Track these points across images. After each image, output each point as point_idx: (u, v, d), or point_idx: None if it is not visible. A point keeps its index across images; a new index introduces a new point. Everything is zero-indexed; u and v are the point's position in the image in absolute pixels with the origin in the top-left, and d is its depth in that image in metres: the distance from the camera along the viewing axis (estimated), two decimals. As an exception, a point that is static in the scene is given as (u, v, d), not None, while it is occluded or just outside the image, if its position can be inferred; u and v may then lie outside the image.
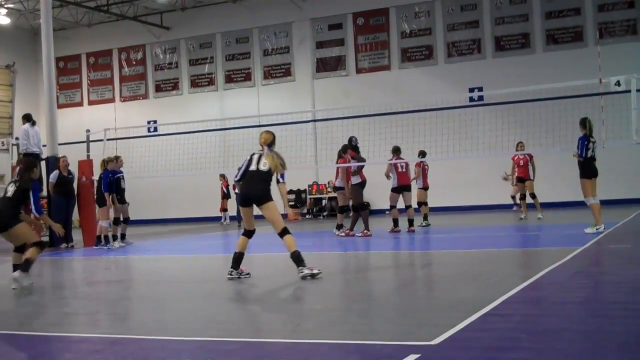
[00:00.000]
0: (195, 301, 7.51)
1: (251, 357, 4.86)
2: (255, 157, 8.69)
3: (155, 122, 26.80)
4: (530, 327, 5.33)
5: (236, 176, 8.83)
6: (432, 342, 4.77)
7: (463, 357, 4.53)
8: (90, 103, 30.89)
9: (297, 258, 8.33)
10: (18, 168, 9.13)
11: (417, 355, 4.45)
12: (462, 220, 17.00)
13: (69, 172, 16.02)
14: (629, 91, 12.81)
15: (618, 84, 12.78)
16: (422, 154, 17.11)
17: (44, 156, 16.77)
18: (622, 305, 6.01)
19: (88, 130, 17.87)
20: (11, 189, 8.91)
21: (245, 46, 28.14)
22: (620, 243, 10.95)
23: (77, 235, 16.43)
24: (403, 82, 25.36)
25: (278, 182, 8.68)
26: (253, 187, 8.51)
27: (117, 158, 15.38)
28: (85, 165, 16.54)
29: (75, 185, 16.26)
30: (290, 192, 25.54)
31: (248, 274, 8.64)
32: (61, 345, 5.57)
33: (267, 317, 6.40)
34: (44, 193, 16.72)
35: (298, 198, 26.56)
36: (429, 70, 25.40)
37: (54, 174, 15.81)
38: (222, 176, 24.32)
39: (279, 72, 27.63)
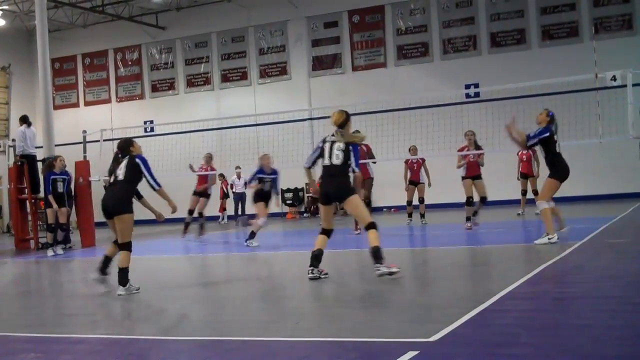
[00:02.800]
0: (193, 300, 7.50)
1: (251, 356, 4.86)
2: (327, 146, 8.17)
3: (151, 122, 26.72)
4: (529, 323, 5.34)
5: (306, 163, 8.45)
6: (431, 339, 4.78)
7: (462, 353, 4.54)
8: (87, 104, 30.85)
9: (375, 254, 7.75)
10: (115, 152, 8.39)
11: (416, 352, 4.45)
12: (459, 216, 17.01)
13: (66, 173, 15.98)
14: (625, 86, 12.83)
15: (614, 79, 12.79)
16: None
17: (39, 158, 16.75)
18: (621, 300, 6.02)
19: (84, 131, 17.85)
20: (121, 172, 8.07)
21: (240, 45, 28.12)
22: (618, 237, 10.98)
23: (74, 237, 16.42)
24: (399, 80, 25.35)
25: (353, 171, 8.19)
26: (331, 183, 8.05)
27: (56, 158, 15.12)
28: (82, 167, 16.52)
29: (72, 186, 16.22)
30: (288, 190, 25.55)
31: (327, 274, 8.11)
32: (60, 346, 5.56)
33: (267, 316, 6.40)
34: (41, 194, 16.72)
35: (295, 196, 26.55)
36: (425, 67, 25.40)
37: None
38: (222, 176, 24.30)
39: (275, 70, 27.61)
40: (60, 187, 14.70)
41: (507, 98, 20.69)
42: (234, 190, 22.60)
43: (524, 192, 17.30)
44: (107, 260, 8.16)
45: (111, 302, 7.94)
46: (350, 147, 8.13)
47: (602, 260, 8.70)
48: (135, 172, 8.07)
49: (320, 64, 26.85)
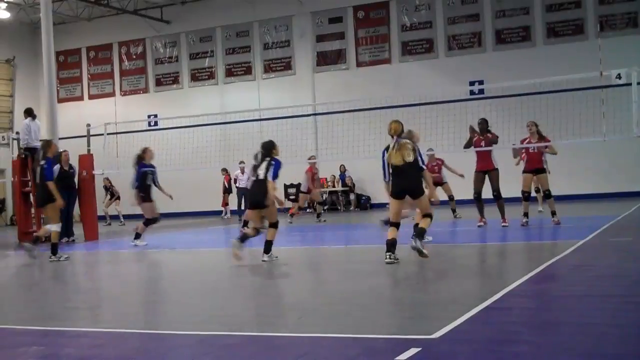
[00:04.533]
0: (195, 295, 7.52)
1: (252, 351, 4.86)
2: (394, 152, 8.85)
3: (155, 116, 26.77)
4: (531, 321, 5.34)
5: (385, 177, 9.08)
6: (433, 336, 4.78)
7: (464, 350, 4.54)
8: (91, 97, 30.87)
9: (420, 233, 8.79)
10: (259, 153, 9.81)
11: (418, 349, 4.45)
12: (462, 213, 17.00)
13: (70, 167, 16.01)
14: (630, 84, 12.79)
15: (619, 77, 12.75)
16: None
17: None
18: (623, 299, 6.02)
19: (88, 125, 17.85)
20: (262, 172, 9.58)
21: (245, 40, 28.10)
22: (621, 236, 10.96)
23: (77, 230, 16.44)
24: (403, 76, 25.31)
25: (421, 169, 9.01)
26: (408, 180, 8.85)
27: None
28: (86, 160, 16.54)
29: (76, 179, 16.25)
30: (291, 185, 25.53)
31: (397, 259, 8.76)
32: (62, 340, 5.57)
33: (269, 311, 6.40)
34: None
35: (299, 192, 26.49)
36: (430, 64, 25.36)
37: (55, 168, 15.75)
38: (225, 170, 24.27)
39: (280, 65, 27.59)
40: (148, 180, 13.79)
41: (512, 95, 20.66)
42: (237, 185, 22.55)
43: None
44: (245, 237, 9.67)
45: (113, 295, 7.96)
46: (417, 147, 9.05)
47: (604, 259, 8.68)
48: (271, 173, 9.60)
49: (325, 60, 26.83)
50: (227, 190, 24.95)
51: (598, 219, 13.76)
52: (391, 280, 7.97)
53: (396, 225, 8.94)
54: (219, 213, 25.45)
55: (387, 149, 8.96)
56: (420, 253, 8.63)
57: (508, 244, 11.46)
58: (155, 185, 13.85)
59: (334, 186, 26.66)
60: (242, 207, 22.46)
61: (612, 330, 4.90)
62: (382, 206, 25.17)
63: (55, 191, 11.36)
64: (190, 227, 20.43)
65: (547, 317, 5.42)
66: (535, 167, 13.51)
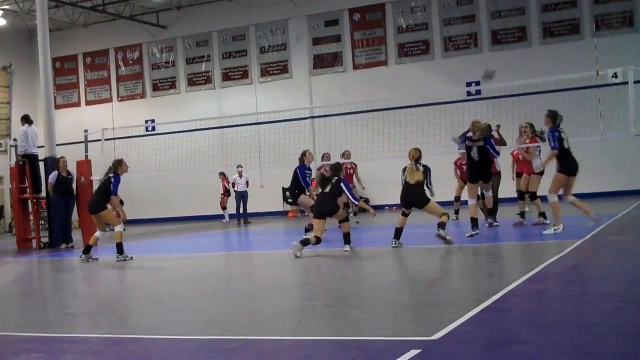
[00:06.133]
0: (195, 300, 7.51)
1: (252, 355, 4.86)
2: (407, 172, 10.91)
3: (153, 121, 26.77)
4: (530, 321, 5.34)
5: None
6: (433, 337, 4.78)
7: (464, 351, 4.54)
8: (88, 103, 30.85)
9: (441, 224, 10.57)
10: (328, 169, 11.90)
11: (418, 351, 4.45)
12: (459, 214, 17.00)
13: (68, 173, 15.99)
14: (626, 83, 12.82)
15: (615, 76, 12.78)
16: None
17: (41, 157, 16.77)
18: (622, 298, 6.02)
19: (86, 131, 17.86)
20: (328, 188, 11.03)
21: (241, 44, 28.11)
22: (620, 235, 10.96)
23: (76, 236, 16.42)
24: (400, 78, 25.33)
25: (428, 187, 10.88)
26: (411, 194, 10.84)
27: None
28: (84, 166, 16.52)
29: (74, 185, 16.23)
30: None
31: (401, 243, 10.85)
32: (61, 346, 5.56)
33: (268, 315, 6.40)
34: (43, 194, 16.74)
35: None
36: (426, 65, 25.38)
37: (53, 174, 15.78)
38: (222, 174, 24.30)
39: (276, 69, 27.60)
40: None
41: (508, 96, 20.70)
42: (235, 189, 22.55)
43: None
44: (307, 242, 10.68)
45: (112, 301, 7.95)
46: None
47: (603, 258, 8.69)
48: (338, 189, 11.07)
49: (321, 63, 26.84)
50: (225, 194, 24.95)
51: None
52: (390, 282, 7.97)
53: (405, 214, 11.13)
54: (216, 217, 25.44)
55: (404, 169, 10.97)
56: (446, 241, 10.43)
57: (506, 244, 11.47)
58: None
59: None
60: (241, 211, 22.50)
61: (611, 329, 4.90)
62: (380, 208, 25.21)
63: (119, 207, 12.12)
64: (188, 232, 20.40)
65: (547, 317, 5.42)
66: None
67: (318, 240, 10.77)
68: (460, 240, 11.08)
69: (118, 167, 12.10)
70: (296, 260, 10.21)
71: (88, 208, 12.22)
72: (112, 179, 11.91)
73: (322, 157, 17.23)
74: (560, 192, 11.38)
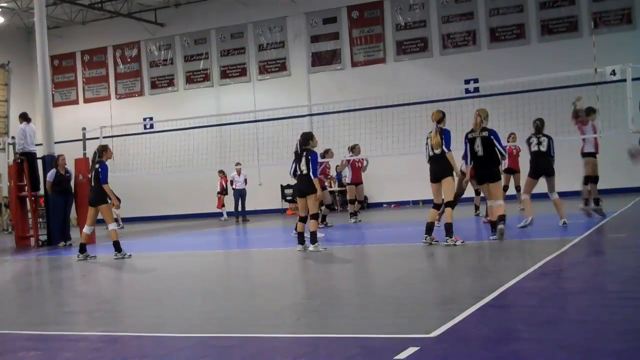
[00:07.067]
0: (193, 297, 7.51)
1: (251, 353, 4.86)
2: (429, 141, 10.46)
3: (151, 119, 26.76)
4: (529, 318, 5.34)
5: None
6: (431, 335, 4.78)
7: (462, 349, 4.54)
8: (86, 101, 30.81)
9: (448, 229, 10.19)
10: (299, 142, 11.16)
11: (417, 348, 4.45)
12: (458, 211, 16.98)
13: (66, 171, 15.98)
14: (625, 80, 12.82)
15: (613, 73, 12.79)
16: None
17: (39, 155, 16.75)
18: (621, 295, 6.03)
19: (84, 128, 17.85)
20: (304, 166, 10.78)
21: (240, 41, 28.08)
22: (618, 232, 10.98)
23: (75, 234, 16.41)
24: (398, 75, 25.32)
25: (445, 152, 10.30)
26: (437, 167, 10.36)
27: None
28: (82, 164, 16.51)
29: (72, 183, 16.22)
30: (288, 186, 25.52)
31: (433, 240, 10.45)
32: (60, 344, 5.57)
33: (267, 312, 6.40)
34: (41, 192, 16.73)
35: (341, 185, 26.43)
36: (425, 63, 25.37)
37: (52, 172, 15.76)
38: (221, 172, 24.28)
39: (275, 67, 27.58)
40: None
41: (507, 93, 20.69)
42: (233, 186, 22.53)
43: (506, 188, 16.43)
44: (301, 235, 10.80)
45: (110, 299, 7.95)
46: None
47: (602, 255, 8.70)
48: (311, 164, 10.77)
49: (320, 60, 26.82)
50: (223, 192, 24.94)
51: (595, 215, 13.75)
52: (389, 279, 7.97)
53: (437, 207, 10.56)
54: (215, 215, 25.41)
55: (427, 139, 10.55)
56: (454, 245, 10.11)
57: (505, 241, 11.46)
58: None
59: (330, 186, 26.63)
60: (240, 209, 22.48)
61: (610, 326, 4.90)
62: (379, 206, 25.23)
63: (111, 193, 11.93)
64: (186, 229, 20.39)
65: (545, 314, 5.42)
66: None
67: (302, 220, 10.92)
68: (461, 238, 11.06)
69: (104, 152, 12.08)
70: (295, 257, 10.22)
71: (89, 201, 12.20)
72: (100, 168, 11.85)
73: (325, 153, 16.99)
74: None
